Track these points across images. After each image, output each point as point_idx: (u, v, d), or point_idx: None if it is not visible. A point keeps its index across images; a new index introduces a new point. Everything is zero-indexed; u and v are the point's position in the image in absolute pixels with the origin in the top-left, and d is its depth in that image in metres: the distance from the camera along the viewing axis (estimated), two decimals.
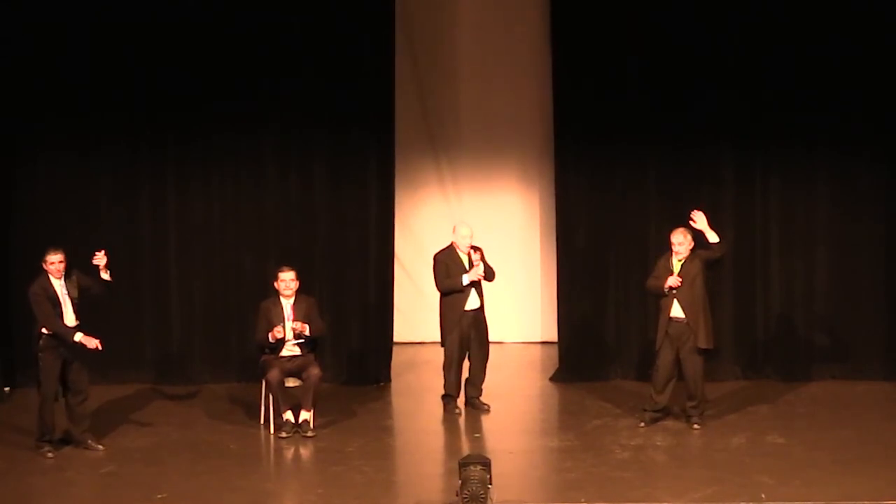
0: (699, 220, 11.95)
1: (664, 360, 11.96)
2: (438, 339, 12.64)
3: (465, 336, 12.47)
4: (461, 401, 12.67)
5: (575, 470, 10.88)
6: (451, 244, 12.55)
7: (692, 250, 11.91)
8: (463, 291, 12.38)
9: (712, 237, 11.91)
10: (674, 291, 11.87)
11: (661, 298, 11.97)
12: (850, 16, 13.37)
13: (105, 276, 11.47)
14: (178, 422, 12.37)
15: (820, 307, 13.77)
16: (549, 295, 14.81)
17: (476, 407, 12.64)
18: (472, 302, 12.47)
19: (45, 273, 11.26)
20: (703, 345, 11.91)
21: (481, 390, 12.70)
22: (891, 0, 13.29)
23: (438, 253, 12.58)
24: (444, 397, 12.68)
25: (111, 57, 13.37)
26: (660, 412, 12.14)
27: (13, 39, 13.26)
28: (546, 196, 14.90)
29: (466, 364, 12.63)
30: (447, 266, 12.46)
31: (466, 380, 12.68)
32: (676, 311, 11.89)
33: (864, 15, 13.35)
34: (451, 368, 12.54)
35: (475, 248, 12.51)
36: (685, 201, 13.02)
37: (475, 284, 12.44)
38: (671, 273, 11.90)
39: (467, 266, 12.43)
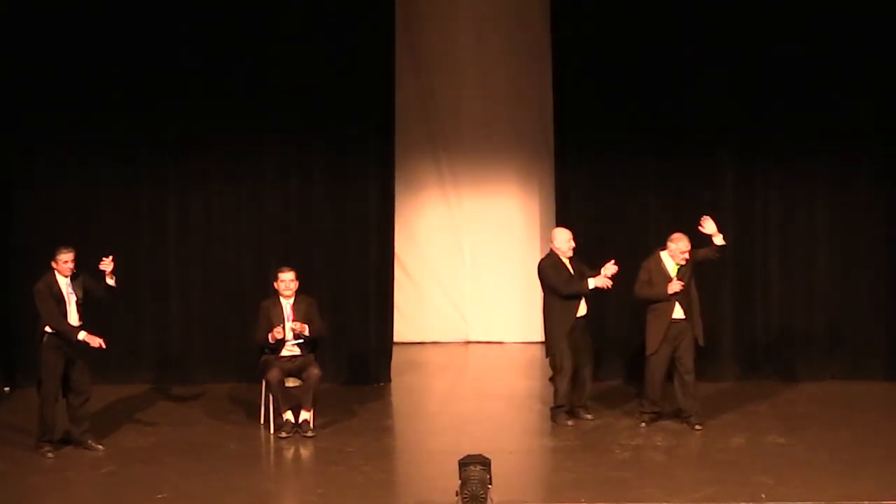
0: (708, 225, 11.93)
1: (662, 359, 11.97)
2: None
3: (576, 345, 12.08)
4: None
5: (575, 470, 10.88)
6: (552, 251, 12.16)
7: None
8: (579, 298, 12.06)
9: (719, 241, 11.90)
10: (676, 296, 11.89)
11: (655, 303, 11.93)
12: (849, 15, 13.36)
13: (110, 281, 11.45)
14: (178, 422, 12.37)
15: (820, 307, 13.77)
16: None
17: (579, 417, 12.23)
18: (581, 309, 12.13)
19: (52, 271, 11.24)
20: (702, 342, 11.94)
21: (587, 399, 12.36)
22: (890, 0, 13.30)
23: (543, 259, 12.18)
24: (554, 408, 12.20)
25: (111, 57, 13.36)
26: (659, 412, 12.14)
27: (14, 40, 13.26)
28: (546, 196, 14.90)
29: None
30: (558, 272, 12.08)
31: (573, 389, 12.20)
32: (678, 313, 11.90)
33: (864, 15, 13.34)
34: (564, 378, 12.05)
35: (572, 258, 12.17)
36: (685, 201, 13.02)
37: None
38: (669, 278, 11.90)
39: (571, 273, 12.09)
